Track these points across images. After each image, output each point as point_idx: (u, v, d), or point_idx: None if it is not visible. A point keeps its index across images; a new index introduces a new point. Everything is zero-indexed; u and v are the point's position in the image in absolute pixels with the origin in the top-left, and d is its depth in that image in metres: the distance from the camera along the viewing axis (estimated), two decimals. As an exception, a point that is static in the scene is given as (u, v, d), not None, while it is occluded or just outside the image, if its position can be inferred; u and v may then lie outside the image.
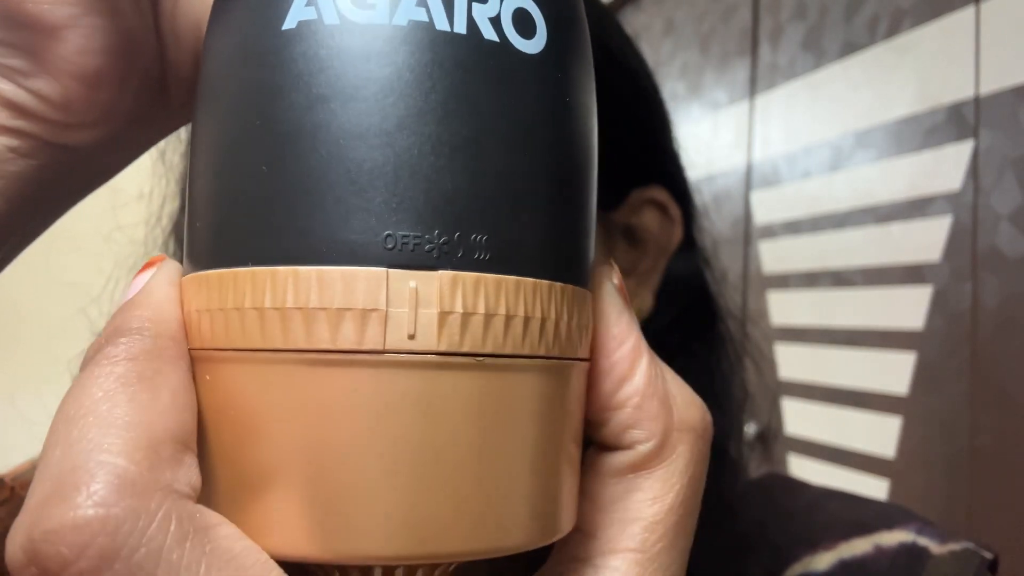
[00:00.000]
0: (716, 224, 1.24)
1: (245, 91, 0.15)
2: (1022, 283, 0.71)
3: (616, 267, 0.18)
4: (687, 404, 0.18)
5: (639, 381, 0.17)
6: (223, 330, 0.15)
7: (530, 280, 0.15)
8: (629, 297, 0.39)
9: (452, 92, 0.14)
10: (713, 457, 0.39)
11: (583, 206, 0.16)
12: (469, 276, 0.14)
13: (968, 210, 0.76)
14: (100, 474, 0.12)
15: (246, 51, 0.15)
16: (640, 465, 0.17)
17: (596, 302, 0.17)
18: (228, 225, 0.15)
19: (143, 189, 0.41)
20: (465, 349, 0.14)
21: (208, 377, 0.15)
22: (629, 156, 0.39)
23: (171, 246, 0.40)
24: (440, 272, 0.14)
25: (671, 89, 1.35)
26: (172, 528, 0.13)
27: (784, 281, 1.02)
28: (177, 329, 0.15)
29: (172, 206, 0.41)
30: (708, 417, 0.18)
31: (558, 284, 0.15)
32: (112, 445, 0.13)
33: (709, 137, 1.23)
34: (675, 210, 0.40)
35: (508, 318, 0.14)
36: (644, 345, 0.18)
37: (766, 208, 1.07)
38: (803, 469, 0.97)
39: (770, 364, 1.04)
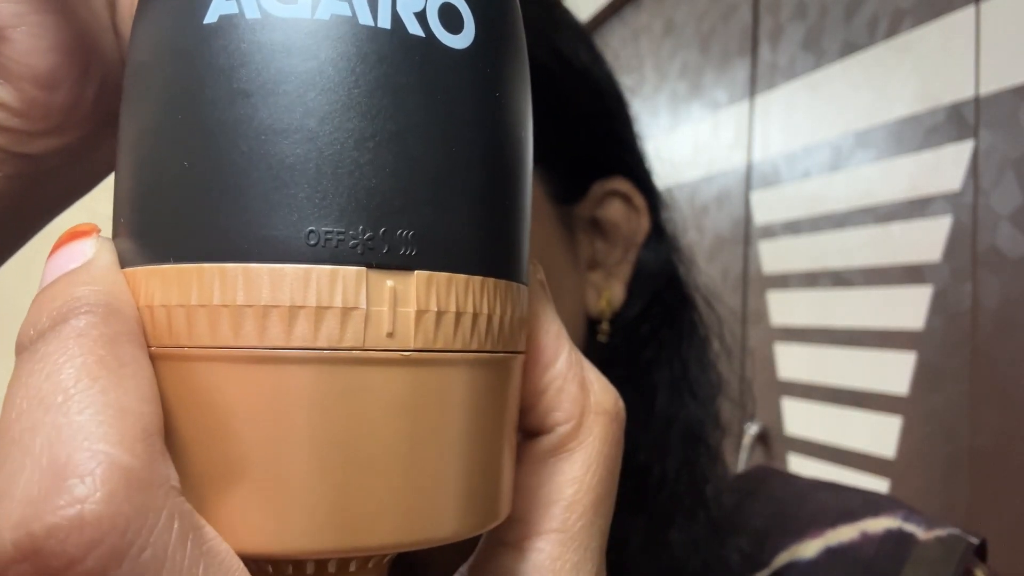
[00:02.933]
0: (716, 224, 1.24)
1: (167, 86, 0.15)
2: (1022, 283, 0.71)
3: (537, 263, 0.19)
4: (602, 389, 0.19)
5: (561, 366, 0.18)
6: (153, 325, 0.14)
7: (462, 276, 0.15)
8: (598, 290, 0.39)
9: (375, 87, 0.14)
10: (689, 442, 0.40)
11: (515, 200, 0.16)
12: (397, 273, 0.14)
13: (968, 210, 0.76)
14: (102, 467, 0.12)
15: (167, 45, 0.15)
16: (560, 446, 0.18)
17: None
18: (152, 222, 0.15)
19: None
20: (394, 346, 0.14)
21: (168, 376, 0.15)
22: (586, 149, 0.40)
23: None
24: (365, 269, 0.14)
25: (671, 89, 1.35)
26: (176, 527, 0.12)
27: (784, 281, 1.02)
28: (135, 312, 0.14)
29: None
30: (621, 403, 0.19)
31: (491, 279, 0.15)
32: (108, 434, 0.12)
33: (709, 137, 1.23)
34: (639, 200, 0.41)
35: (439, 314, 0.14)
36: (565, 333, 0.19)
37: (766, 208, 1.07)
38: (803, 469, 0.97)
39: (768, 363, 1.04)
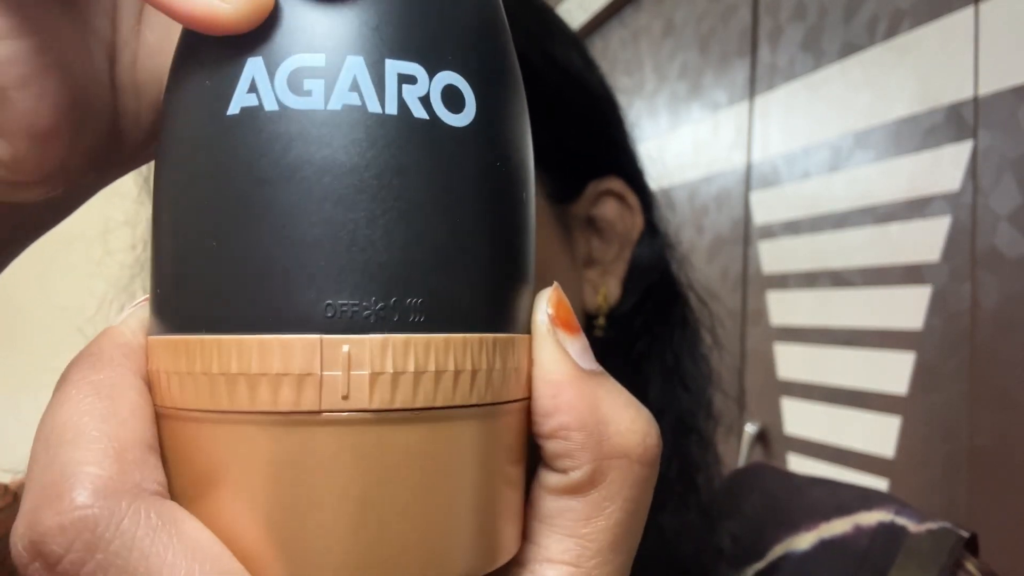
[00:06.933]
0: (716, 224, 1.24)
1: (195, 172, 0.16)
2: (1021, 283, 0.71)
3: (555, 290, 0.19)
4: (623, 432, 0.18)
5: (563, 417, 0.18)
6: (179, 390, 0.16)
7: (459, 336, 0.16)
8: (594, 286, 0.40)
9: (384, 169, 0.15)
10: (680, 432, 0.41)
11: (515, 258, 0.17)
12: (399, 338, 0.15)
13: (967, 210, 0.76)
14: (77, 482, 0.15)
15: (195, 135, 0.16)
16: (573, 490, 0.18)
17: (532, 338, 0.18)
18: (183, 295, 0.16)
19: (129, 215, 0.43)
20: (396, 405, 0.15)
21: (168, 432, 0.16)
22: (580, 151, 0.41)
23: None
24: (372, 336, 0.15)
25: (671, 90, 1.35)
26: (142, 520, 0.15)
27: (783, 281, 1.03)
28: (129, 351, 0.17)
29: None
30: (651, 440, 0.18)
31: (489, 336, 0.16)
32: (84, 457, 0.15)
33: (709, 137, 1.23)
34: (633, 199, 0.42)
35: (438, 373, 0.15)
36: (570, 376, 0.18)
37: (766, 208, 1.07)
38: (802, 468, 0.97)
39: (768, 363, 1.04)
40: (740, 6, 1.15)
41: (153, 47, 0.21)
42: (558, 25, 0.43)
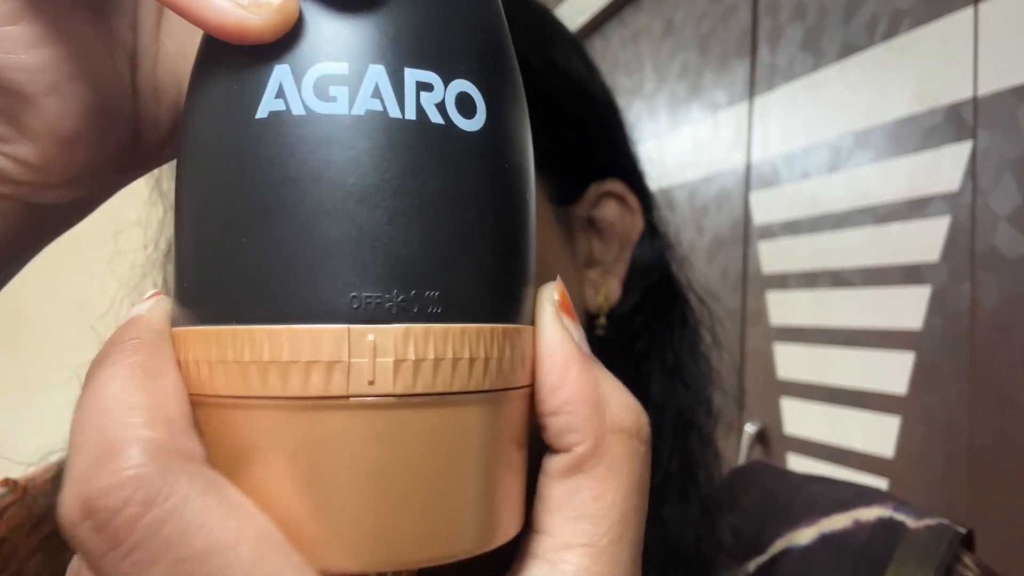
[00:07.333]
0: (716, 224, 1.24)
1: (224, 172, 0.17)
2: (1020, 283, 0.71)
3: (559, 282, 0.20)
4: (621, 408, 0.19)
5: (569, 390, 0.19)
6: (211, 378, 0.17)
7: (473, 326, 0.17)
8: (595, 287, 0.42)
9: (404, 170, 0.16)
10: (681, 428, 0.42)
11: (521, 254, 0.19)
12: (420, 328, 0.16)
13: (967, 210, 0.76)
14: (132, 443, 0.15)
15: (223, 137, 0.17)
16: (579, 465, 0.19)
17: (536, 323, 0.20)
18: (214, 288, 0.17)
19: (141, 216, 0.44)
20: (418, 390, 0.16)
21: (203, 418, 0.17)
22: (582, 154, 0.42)
23: (169, 269, 0.42)
24: (395, 326, 0.16)
25: (671, 90, 1.36)
26: (193, 481, 0.15)
27: (783, 281, 1.03)
28: (168, 337, 0.18)
29: (169, 231, 0.43)
30: (644, 419, 0.20)
31: (499, 326, 0.17)
32: (136, 422, 0.16)
33: (709, 138, 1.23)
34: (633, 200, 0.43)
35: (455, 361, 0.17)
36: (577, 355, 0.19)
37: (765, 208, 1.08)
38: (802, 468, 0.97)
39: (767, 363, 1.04)
40: (740, 6, 1.16)
41: (171, 53, 0.22)
42: (559, 29, 0.43)
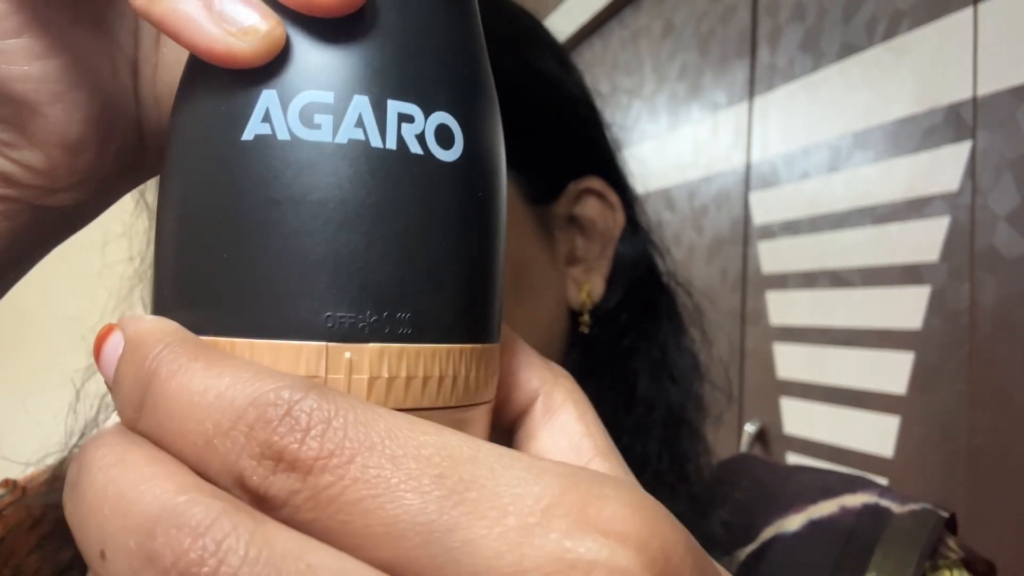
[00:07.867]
0: (715, 224, 1.24)
1: (209, 189, 0.17)
2: (1020, 283, 0.71)
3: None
4: (554, 364, 0.21)
5: (519, 359, 0.20)
6: None
7: (443, 346, 0.18)
8: (578, 284, 0.42)
9: (383, 198, 0.17)
10: (671, 424, 0.42)
11: (490, 278, 0.19)
12: (394, 348, 0.17)
13: (966, 210, 0.76)
14: (278, 384, 0.15)
15: (208, 156, 0.17)
16: (546, 411, 0.20)
17: (507, 352, 0.21)
18: (194, 301, 0.17)
19: (126, 228, 0.45)
20: (390, 406, 0.17)
21: None
22: (558, 152, 0.42)
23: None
24: (371, 345, 0.17)
25: (670, 90, 1.36)
26: (360, 406, 0.15)
27: (783, 281, 1.03)
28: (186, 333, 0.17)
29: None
30: (564, 374, 0.21)
31: (468, 346, 0.18)
32: (248, 377, 0.15)
33: (708, 138, 1.23)
34: (613, 197, 0.43)
35: (425, 379, 0.17)
36: (522, 346, 0.21)
37: (765, 208, 1.08)
38: (802, 468, 0.97)
39: (767, 363, 1.04)
40: (739, 7, 1.16)
41: (171, 61, 0.23)
42: (533, 30, 0.44)
